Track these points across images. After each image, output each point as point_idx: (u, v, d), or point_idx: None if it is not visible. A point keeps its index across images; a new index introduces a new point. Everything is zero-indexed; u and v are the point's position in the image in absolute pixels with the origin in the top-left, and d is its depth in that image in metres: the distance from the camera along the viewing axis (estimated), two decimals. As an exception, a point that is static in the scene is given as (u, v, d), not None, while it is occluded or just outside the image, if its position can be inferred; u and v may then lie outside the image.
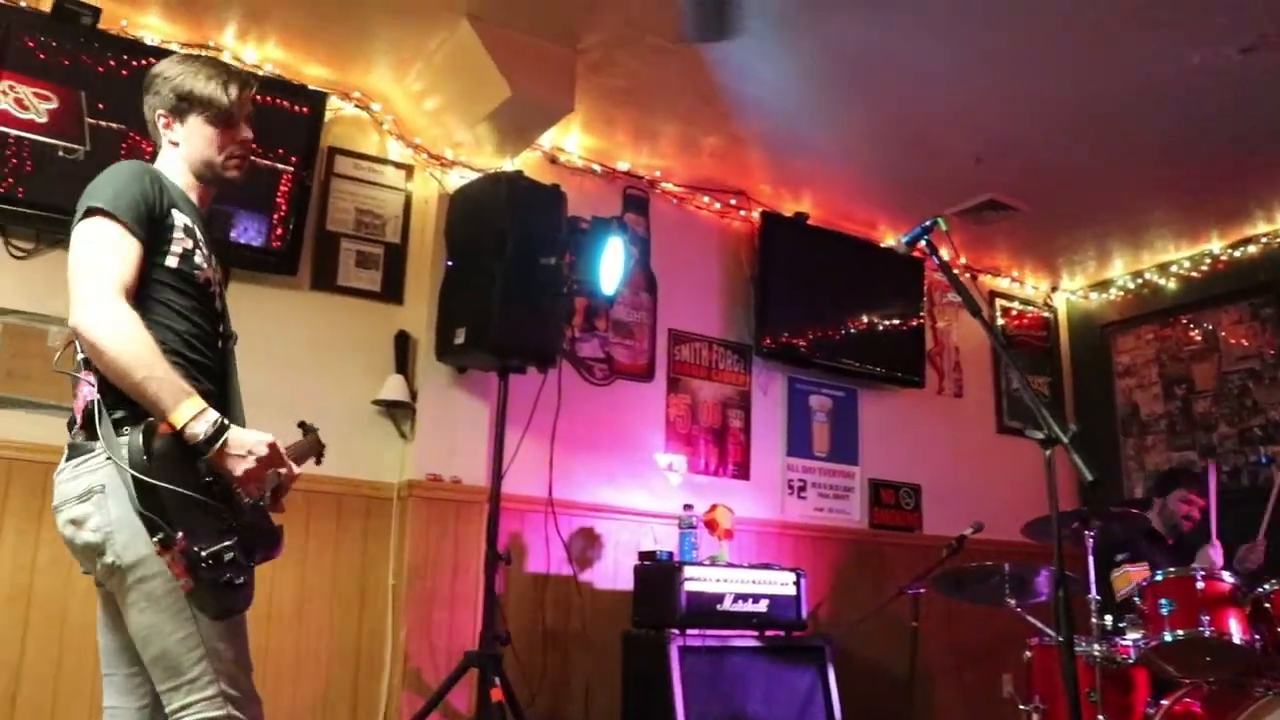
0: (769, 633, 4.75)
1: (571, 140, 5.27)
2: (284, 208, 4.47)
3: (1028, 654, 4.27)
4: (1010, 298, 7.05)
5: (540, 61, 4.41)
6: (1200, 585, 3.88)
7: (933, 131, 5.06)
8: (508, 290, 4.25)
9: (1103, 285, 7.02)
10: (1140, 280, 6.78)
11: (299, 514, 4.42)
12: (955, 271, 3.24)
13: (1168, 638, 3.82)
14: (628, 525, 5.16)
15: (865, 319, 6.04)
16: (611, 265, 4.43)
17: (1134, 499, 6.38)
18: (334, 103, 4.73)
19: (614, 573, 5.08)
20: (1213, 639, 3.78)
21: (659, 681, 4.41)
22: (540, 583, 4.87)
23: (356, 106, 4.84)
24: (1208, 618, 3.78)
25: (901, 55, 4.41)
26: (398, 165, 4.91)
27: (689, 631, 4.49)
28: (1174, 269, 6.55)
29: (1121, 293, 6.92)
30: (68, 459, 2.31)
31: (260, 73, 4.55)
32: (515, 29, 4.34)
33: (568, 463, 4.92)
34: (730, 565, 4.80)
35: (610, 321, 5.33)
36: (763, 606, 4.73)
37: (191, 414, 2.16)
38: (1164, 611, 3.86)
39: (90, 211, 2.28)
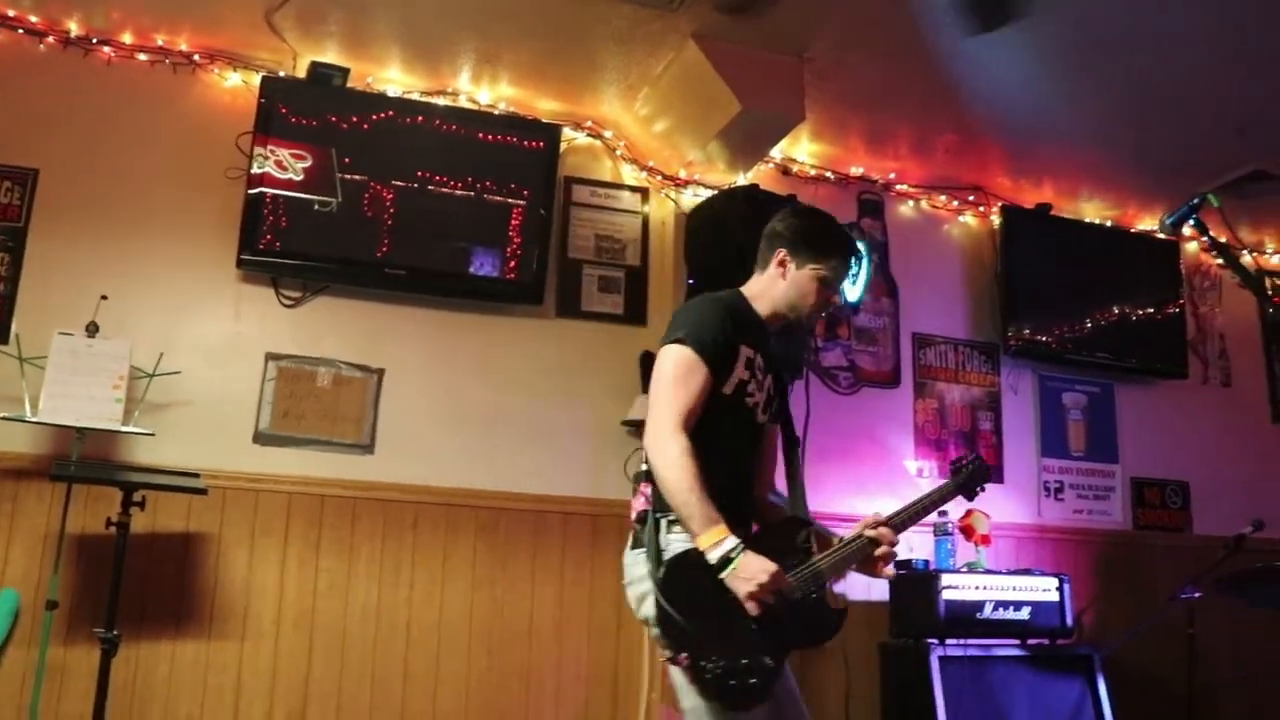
0: (1032, 641, 4.64)
1: (802, 149, 5.24)
2: (516, 240, 4.60)
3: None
4: (1284, 275, 6.53)
5: (768, 74, 4.39)
6: None
7: (1187, 104, 4.72)
8: (751, 305, 4.24)
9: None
10: None
11: (555, 536, 4.57)
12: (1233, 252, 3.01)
13: None
14: (880, 534, 5.06)
15: (1118, 309, 5.74)
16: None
17: None
18: (567, 133, 4.85)
19: (868, 583, 4.90)
20: None
21: (920, 692, 4.37)
22: (794, 595, 4.84)
23: (589, 135, 4.95)
24: None
25: (1152, 24, 4.13)
26: (633, 189, 5.00)
27: (949, 641, 4.43)
28: None
29: None
30: (631, 546, 2.68)
31: (495, 112, 4.74)
32: (741, 44, 4.33)
33: (817, 473, 4.82)
34: (989, 572, 4.70)
35: (853, 329, 5.27)
36: (1024, 614, 4.62)
37: (710, 542, 2.45)
38: None
39: (676, 340, 2.61)
